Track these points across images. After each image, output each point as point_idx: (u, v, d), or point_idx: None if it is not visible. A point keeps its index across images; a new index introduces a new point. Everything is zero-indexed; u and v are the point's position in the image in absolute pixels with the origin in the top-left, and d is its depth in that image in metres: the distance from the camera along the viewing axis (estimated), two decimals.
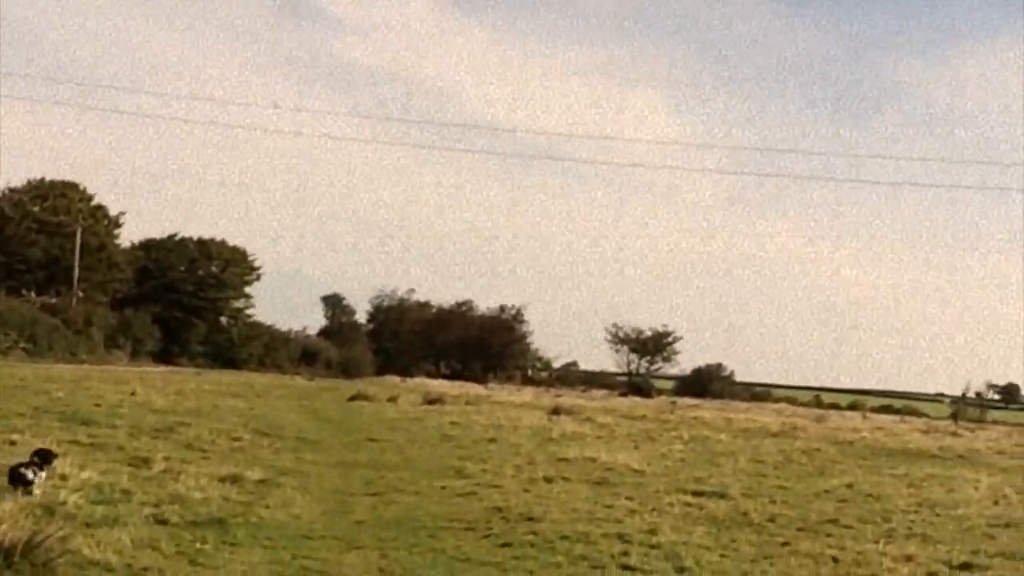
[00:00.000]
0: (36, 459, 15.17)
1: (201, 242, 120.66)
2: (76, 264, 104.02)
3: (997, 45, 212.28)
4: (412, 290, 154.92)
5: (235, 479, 17.79)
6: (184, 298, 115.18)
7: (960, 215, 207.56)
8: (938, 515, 20.06)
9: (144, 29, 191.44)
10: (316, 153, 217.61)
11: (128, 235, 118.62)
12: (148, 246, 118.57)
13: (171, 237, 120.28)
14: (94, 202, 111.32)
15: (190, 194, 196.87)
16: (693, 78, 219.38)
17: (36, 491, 14.41)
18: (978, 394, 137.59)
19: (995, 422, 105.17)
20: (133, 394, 38.10)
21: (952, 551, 15.65)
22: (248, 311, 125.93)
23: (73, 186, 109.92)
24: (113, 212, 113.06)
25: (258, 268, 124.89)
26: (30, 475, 14.59)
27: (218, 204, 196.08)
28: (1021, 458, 39.81)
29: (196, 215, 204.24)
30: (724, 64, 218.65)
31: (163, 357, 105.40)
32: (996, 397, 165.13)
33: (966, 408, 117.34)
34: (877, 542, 16.03)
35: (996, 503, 22.66)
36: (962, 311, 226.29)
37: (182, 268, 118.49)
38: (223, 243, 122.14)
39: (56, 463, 15.72)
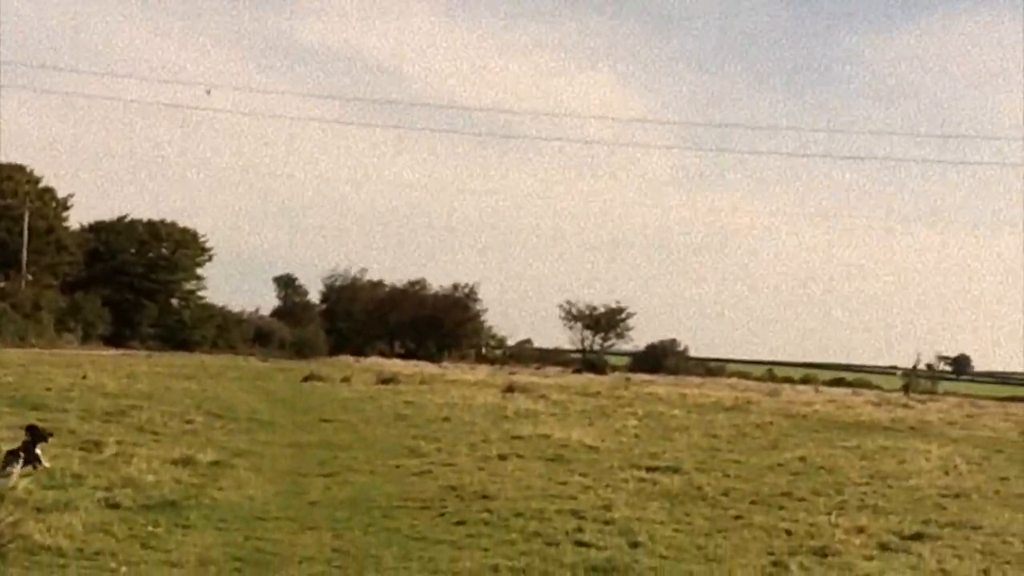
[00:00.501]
0: (28, 438, 15.62)
1: (151, 224, 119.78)
2: (24, 247, 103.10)
3: (944, 16, 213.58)
4: (365, 269, 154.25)
5: (188, 461, 17.73)
6: (135, 280, 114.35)
7: (912, 188, 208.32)
8: (890, 486, 20.27)
9: (90, 9, 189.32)
10: (267, 133, 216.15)
11: (77, 217, 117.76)
12: (97, 228, 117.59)
13: (121, 219, 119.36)
14: (42, 184, 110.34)
15: (139, 176, 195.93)
16: (644, 53, 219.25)
17: (15, 479, 14.60)
18: (929, 366, 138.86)
19: (946, 393, 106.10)
20: (84, 378, 37.93)
21: (903, 521, 15.82)
22: (200, 293, 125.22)
23: (20, 168, 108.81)
24: (61, 194, 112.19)
25: (209, 249, 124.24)
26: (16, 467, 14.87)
27: (168, 185, 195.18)
28: (971, 429, 40.26)
29: (146, 197, 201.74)
30: (675, 39, 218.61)
31: (114, 340, 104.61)
32: (947, 368, 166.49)
33: (917, 380, 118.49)
34: (829, 514, 16.17)
35: (947, 473, 22.92)
36: (914, 283, 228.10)
37: (132, 250, 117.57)
38: (173, 225, 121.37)
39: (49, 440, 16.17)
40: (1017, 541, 14.76)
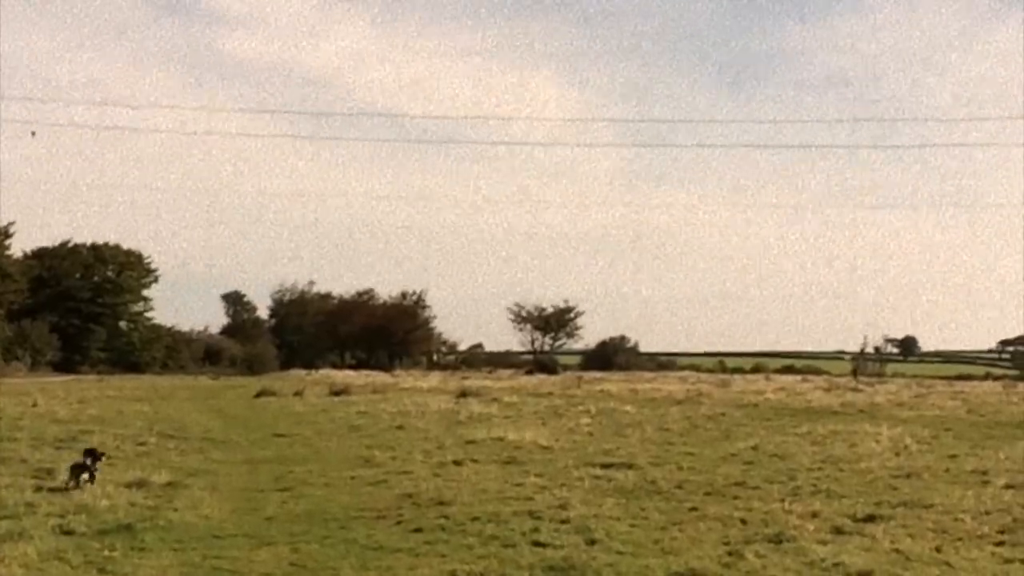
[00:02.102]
0: (88, 458, 17.93)
1: (95, 247, 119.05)
2: None
3: (876, 3, 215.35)
4: (312, 282, 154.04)
5: (141, 484, 17.69)
6: (81, 305, 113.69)
7: (853, 174, 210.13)
8: (842, 470, 20.47)
9: (22, 33, 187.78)
10: (208, 150, 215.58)
11: (20, 245, 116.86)
12: (41, 255, 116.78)
13: (64, 244, 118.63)
14: None
15: (80, 199, 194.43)
16: (583, 53, 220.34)
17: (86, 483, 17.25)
18: (877, 349, 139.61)
19: (895, 375, 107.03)
20: (34, 405, 37.67)
21: (856, 504, 15.99)
22: (148, 314, 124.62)
23: None
24: (2, 223, 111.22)
25: (155, 270, 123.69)
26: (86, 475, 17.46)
27: (110, 208, 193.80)
28: (920, 409, 40.59)
29: (88, 220, 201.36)
30: (613, 37, 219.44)
31: (64, 366, 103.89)
32: (894, 351, 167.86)
33: (866, 363, 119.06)
34: (783, 501, 16.32)
35: (897, 454, 23.17)
36: (859, 267, 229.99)
37: (77, 275, 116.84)
38: (117, 247, 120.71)
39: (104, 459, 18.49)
40: (968, 518, 14.94)
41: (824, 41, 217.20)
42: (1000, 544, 13.40)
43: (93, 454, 18.21)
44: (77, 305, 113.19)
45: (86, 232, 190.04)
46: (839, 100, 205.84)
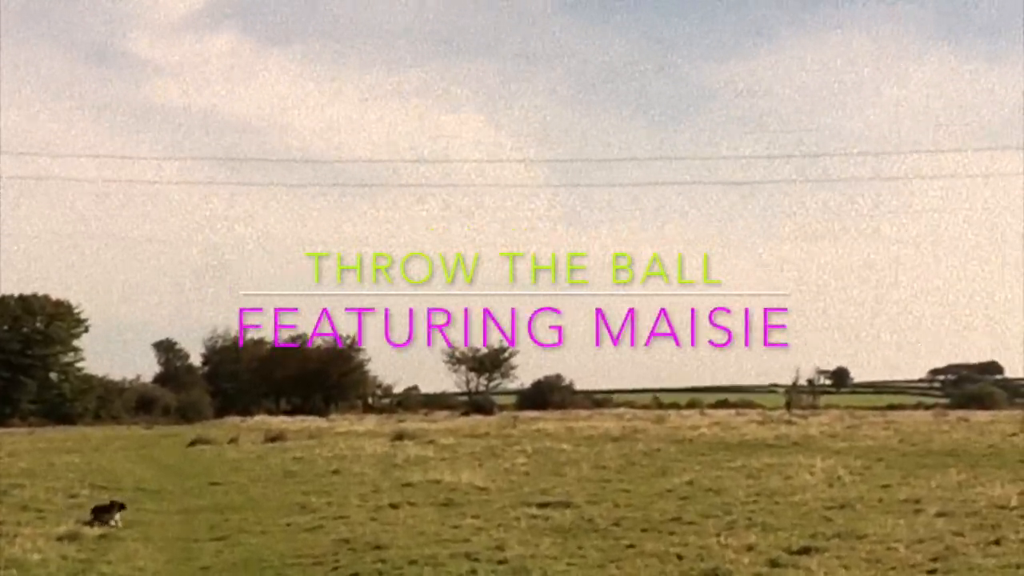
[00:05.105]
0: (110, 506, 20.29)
1: (23, 299, 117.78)
2: None
3: (793, 41, 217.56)
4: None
5: (74, 537, 17.49)
6: (11, 357, 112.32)
7: (778, 209, 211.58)
8: (777, 503, 20.59)
9: None
10: (134, 198, 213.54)
11: None
12: None
13: None
14: None
15: (6, 250, 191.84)
16: (507, 95, 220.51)
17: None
18: (809, 381, 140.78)
19: (828, 407, 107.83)
20: None
21: (791, 537, 16.09)
22: (79, 364, 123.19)
23: None
24: None
25: (85, 320, 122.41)
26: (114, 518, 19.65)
27: (38, 258, 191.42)
28: (853, 440, 40.91)
29: (15, 272, 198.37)
30: (536, 79, 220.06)
31: None
32: (827, 382, 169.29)
33: (799, 396, 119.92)
34: (719, 535, 16.39)
35: (831, 486, 23.33)
36: (788, 301, 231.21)
37: (5, 327, 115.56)
38: (46, 298, 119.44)
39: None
40: (901, 547, 15.07)
41: (743, 79, 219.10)
42: (933, 572, 13.54)
43: (115, 503, 20.43)
44: (6, 357, 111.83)
45: (13, 284, 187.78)
46: (760, 136, 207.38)
